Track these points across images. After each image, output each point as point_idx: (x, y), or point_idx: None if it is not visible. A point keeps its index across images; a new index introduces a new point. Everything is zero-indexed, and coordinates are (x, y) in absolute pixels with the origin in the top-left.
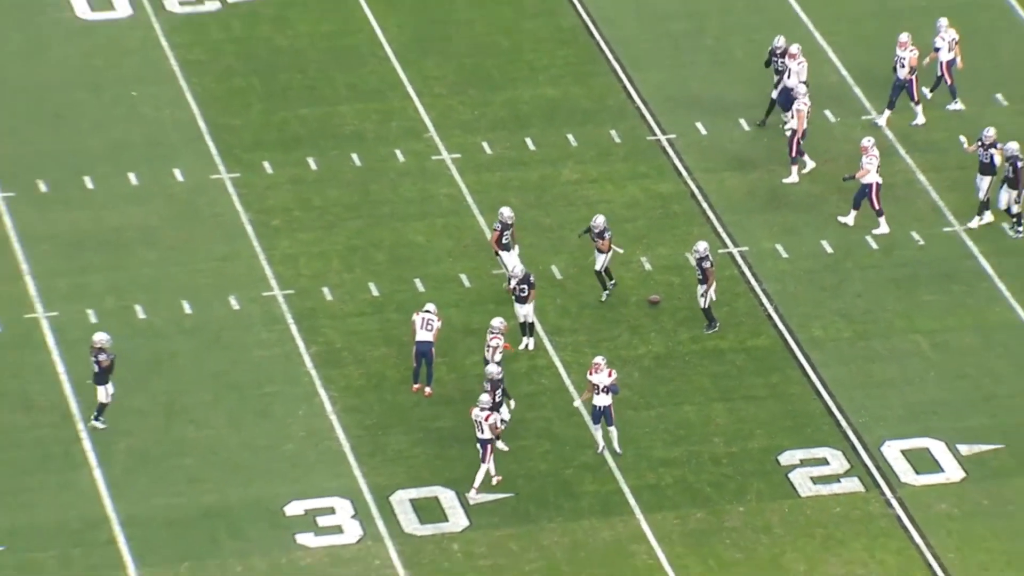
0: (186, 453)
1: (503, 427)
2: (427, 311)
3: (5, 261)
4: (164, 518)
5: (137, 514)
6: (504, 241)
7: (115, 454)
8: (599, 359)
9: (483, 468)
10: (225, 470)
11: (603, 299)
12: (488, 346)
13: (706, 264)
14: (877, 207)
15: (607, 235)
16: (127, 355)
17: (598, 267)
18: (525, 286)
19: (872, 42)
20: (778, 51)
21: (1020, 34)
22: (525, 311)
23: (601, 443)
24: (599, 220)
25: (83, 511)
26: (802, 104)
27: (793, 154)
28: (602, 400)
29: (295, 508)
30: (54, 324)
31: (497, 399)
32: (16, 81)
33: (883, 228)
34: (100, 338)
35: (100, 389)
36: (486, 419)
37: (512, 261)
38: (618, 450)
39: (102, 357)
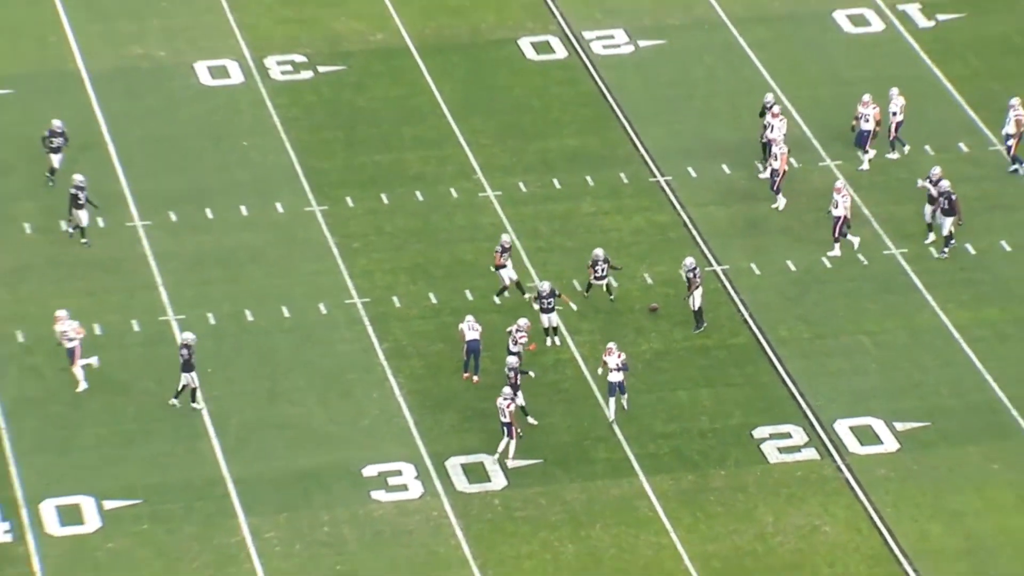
0: (284, 427)
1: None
2: (470, 319)
3: (143, 275)
4: (267, 478)
5: (246, 475)
6: (502, 263)
7: (229, 427)
8: (612, 344)
9: (507, 441)
10: (315, 440)
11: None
12: (514, 340)
13: (691, 275)
14: (836, 235)
15: (606, 264)
16: (238, 349)
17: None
18: (551, 299)
19: (827, 104)
20: (768, 104)
21: (942, 99)
22: (549, 318)
23: (612, 415)
24: (599, 252)
25: (204, 472)
26: (779, 150)
27: (776, 189)
28: (615, 377)
29: (370, 470)
30: (181, 325)
31: (517, 383)
32: (152, 134)
33: (836, 252)
34: (187, 337)
35: (185, 376)
36: (507, 407)
37: (508, 275)
38: (625, 406)
39: (185, 352)
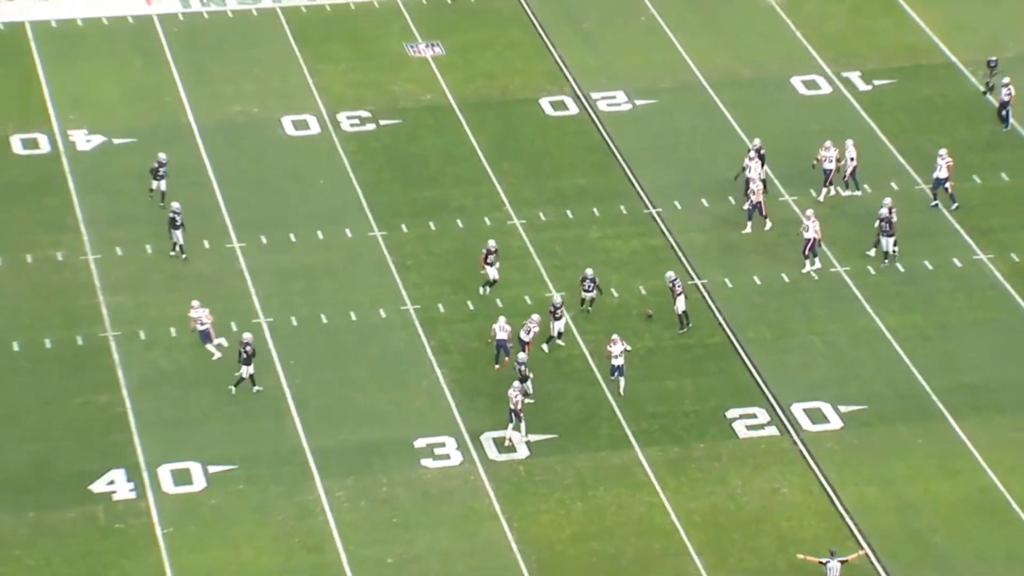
0: (351, 407)
1: (529, 401)
2: (501, 320)
3: (239, 286)
4: (337, 448)
5: (321, 445)
6: (489, 260)
7: (308, 408)
8: (615, 336)
9: (513, 425)
10: (376, 419)
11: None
12: (527, 331)
13: (672, 285)
14: (806, 253)
15: (592, 283)
16: (315, 346)
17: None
18: (560, 309)
19: (786, 151)
20: (755, 147)
21: (878, 148)
22: (557, 325)
23: (623, 391)
24: (589, 271)
25: (288, 443)
26: (755, 185)
27: (764, 213)
28: (618, 361)
29: (420, 443)
30: (270, 327)
31: (526, 376)
32: (247, 173)
33: (807, 268)
34: (247, 337)
35: (244, 368)
36: (515, 397)
37: (493, 274)
38: (622, 392)
39: (248, 348)
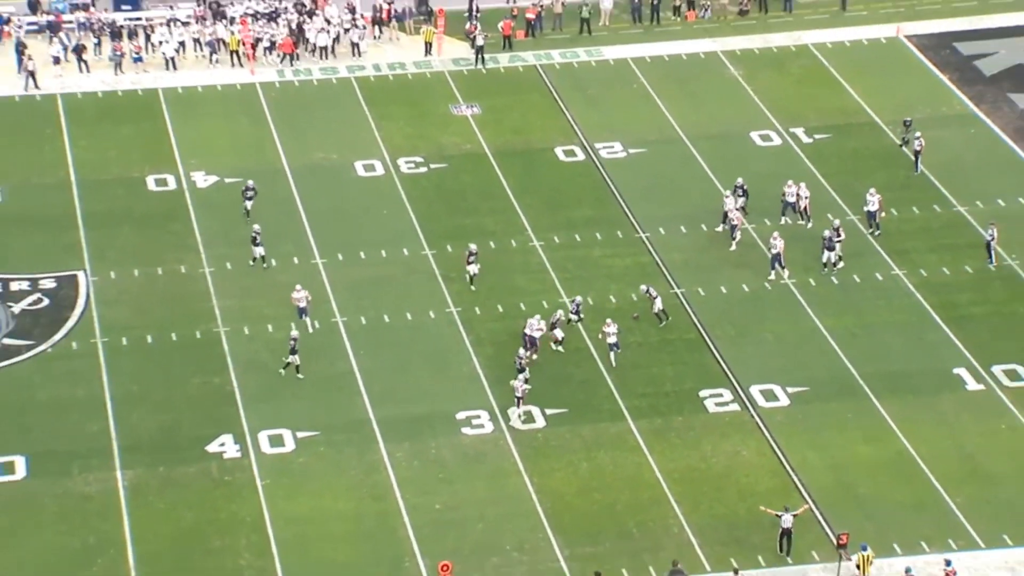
0: (407, 387)
1: (527, 387)
2: (532, 320)
3: (321, 293)
4: (397, 419)
5: (383, 417)
6: (470, 261)
7: (374, 388)
8: (608, 319)
9: (517, 412)
10: (427, 396)
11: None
12: (531, 327)
13: (647, 293)
14: (774, 266)
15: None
16: (379, 340)
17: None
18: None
19: (748, 189)
20: (739, 184)
21: (818, 187)
22: (559, 335)
23: (614, 364)
24: (578, 299)
25: (357, 415)
26: (735, 213)
27: (733, 236)
28: (612, 339)
29: (461, 415)
30: (345, 325)
31: (523, 367)
32: (328, 206)
33: (773, 277)
34: (295, 334)
35: (292, 356)
36: (520, 387)
37: (474, 270)
38: (613, 363)
39: (293, 343)
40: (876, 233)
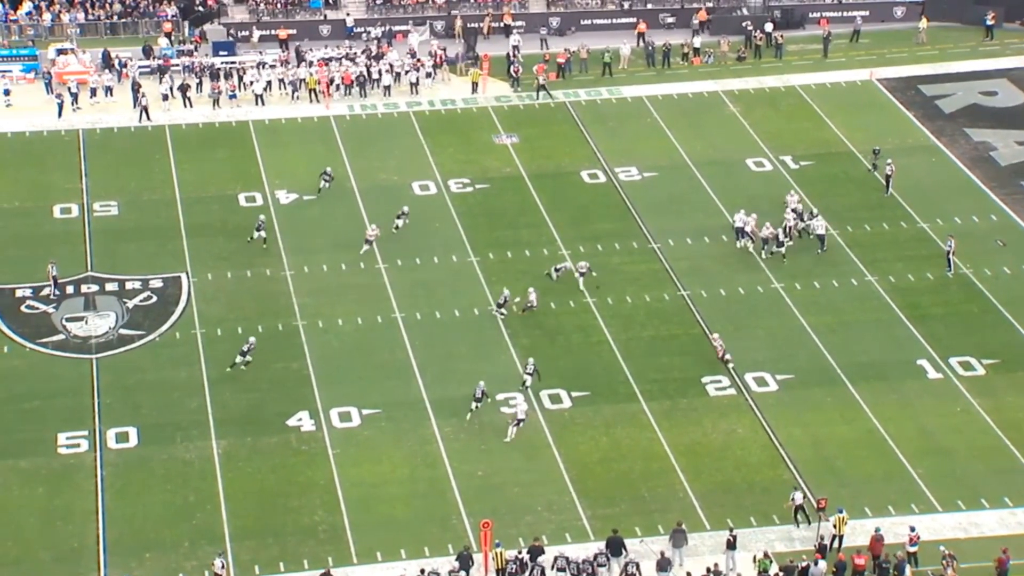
0: (455, 373)
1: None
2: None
3: (383, 294)
4: (446, 399)
5: (436, 397)
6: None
7: (427, 373)
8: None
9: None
10: (472, 380)
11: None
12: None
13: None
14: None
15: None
16: (434, 333)
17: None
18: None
19: (744, 206)
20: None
21: (804, 207)
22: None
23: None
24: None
25: (413, 396)
26: (750, 226)
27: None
28: (521, 415)
29: (500, 396)
30: (403, 320)
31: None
32: (388, 219)
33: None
34: (251, 341)
35: (239, 357)
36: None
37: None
38: (509, 438)
39: (247, 348)
40: (820, 252)
